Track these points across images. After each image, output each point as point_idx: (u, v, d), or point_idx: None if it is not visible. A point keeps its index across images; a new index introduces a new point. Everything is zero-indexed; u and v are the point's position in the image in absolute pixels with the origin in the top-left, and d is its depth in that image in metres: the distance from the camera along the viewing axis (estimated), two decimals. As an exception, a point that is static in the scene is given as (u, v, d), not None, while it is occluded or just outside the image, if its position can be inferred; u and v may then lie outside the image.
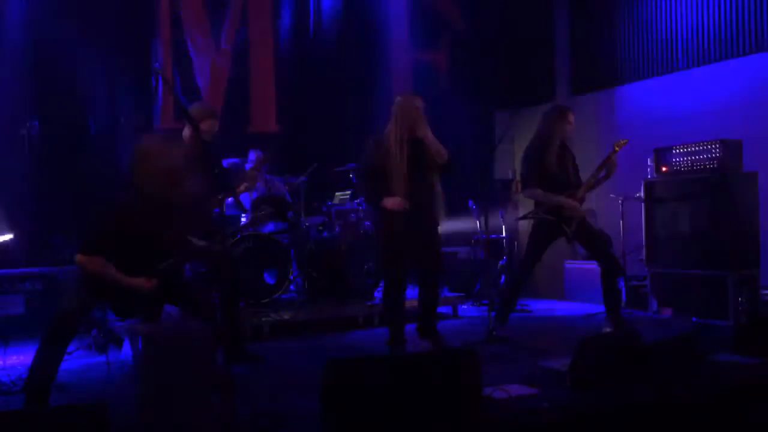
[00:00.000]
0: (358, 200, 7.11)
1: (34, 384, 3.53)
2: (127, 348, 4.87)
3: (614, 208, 6.72)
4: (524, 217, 5.66)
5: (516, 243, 8.04)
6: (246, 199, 6.36)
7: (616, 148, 5.38)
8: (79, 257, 3.66)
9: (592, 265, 6.16)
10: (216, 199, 4.52)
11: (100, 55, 7.00)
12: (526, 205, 5.80)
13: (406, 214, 4.51)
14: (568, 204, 5.28)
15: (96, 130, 6.94)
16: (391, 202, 4.53)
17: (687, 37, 7.21)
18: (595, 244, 5.45)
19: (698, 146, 5.94)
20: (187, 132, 4.64)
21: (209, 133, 4.67)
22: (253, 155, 6.91)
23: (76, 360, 4.94)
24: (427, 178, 4.62)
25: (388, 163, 4.55)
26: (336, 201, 7.55)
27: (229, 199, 5.63)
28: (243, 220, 6.65)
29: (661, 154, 6.22)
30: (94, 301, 3.79)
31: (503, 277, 7.50)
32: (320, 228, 7.26)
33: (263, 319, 5.77)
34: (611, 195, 6.67)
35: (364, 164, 4.75)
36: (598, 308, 6.19)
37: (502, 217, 7.49)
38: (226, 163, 5.75)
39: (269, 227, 6.71)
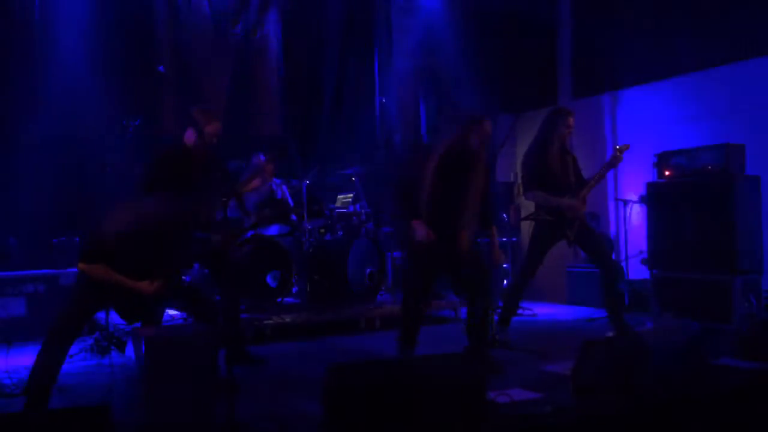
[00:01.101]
0: (360, 203, 7.12)
1: (35, 387, 3.53)
2: (129, 350, 4.86)
3: (617, 211, 6.72)
4: (526, 219, 5.66)
5: (519, 246, 8.03)
6: (249, 201, 6.35)
7: (618, 153, 5.39)
8: (80, 266, 3.67)
9: (594, 269, 6.16)
10: (219, 201, 4.54)
11: (105, 56, 7.00)
12: (528, 208, 5.81)
13: (438, 234, 4.35)
14: (569, 206, 5.28)
15: (99, 132, 6.93)
16: (420, 233, 4.30)
17: (690, 40, 7.20)
18: (596, 247, 5.44)
19: (701, 150, 5.93)
20: (190, 135, 4.64)
21: (213, 136, 4.68)
22: (255, 159, 6.90)
23: (79, 362, 4.93)
24: (467, 200, 4.42)
25: (428, 171, 4.36)
26: (338, 204, 7.54)
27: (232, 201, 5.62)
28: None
29: (664, 158, 6.21)
30: (96, 305, 3.79)
31: (506, 281, 7.49)
32: (322, 231, 7.26)
33: (265, 321, 5.76)
34: (614, 198, 6.66)
35: (404, 174, 4.52)
36: (601, 312, 6.19)
37: (505, 220, 7.48)
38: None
39: (271, 230, 6.70)
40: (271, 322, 5.79)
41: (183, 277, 4.51)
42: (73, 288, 3.88)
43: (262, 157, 6.82)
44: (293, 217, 6.76)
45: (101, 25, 6.95)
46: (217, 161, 4.86)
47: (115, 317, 5.16)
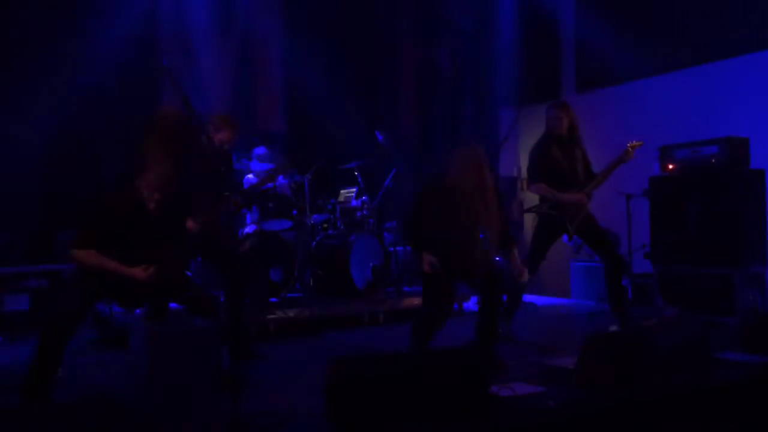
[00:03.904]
0: (365, 197, 7.12)
1: (34, 382, 3.52)
2: (133, 345, 4.87)
3: (620, 206, 6.70)
4: (529, 210, 5.69)
5: (522, 240, 8.03)
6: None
7: (630, 149, 5.38)
8: (73, 252, 3.67)
9: (598, 263, 6.15)
10: (225, 197, 4.58)
11: (107, 53, 7.00)
12: (531, 202, 5.82)
13: (451, 258, 4.41)
14: (572, 201, 5.30)
15: (103, 127, 6.93)
16: (426, 266, 4.38)
17: (694, 33, 7.17)
18: (600, 242, 5.44)
19: (704, 143, 5.91)
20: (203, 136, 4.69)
21: (225, 143, 4.82)
22: (258, 151, 6.90)
23: (82, 356, 4.94)
24: (475, 230, 4.45)
25: (443, 209, 4.44)
26: (340, 198, 7.54)
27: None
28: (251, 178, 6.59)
29: (667, 151, 6.20)
30: (93, 297, 3.79)
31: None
32: (325, 226, 7.26)
33: (268, 317, 5.77)
34: (617, 192, 6.64)
35: (417, 207, 4.58)
36: (604, 306, 6.18)
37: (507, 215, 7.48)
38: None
39: (275, 225, 6.69)
40: (274, 317, 5.80)
41: (186, 272, 4.50)
42: (70, 278, 3.87)
43: (263, 150, 6.84)
44: (295, 212, 6.76)
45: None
46: (223, 157, 4.88)
47: (118, 310, 5.19)
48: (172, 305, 4.21)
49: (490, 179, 4.50)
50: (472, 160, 4.50)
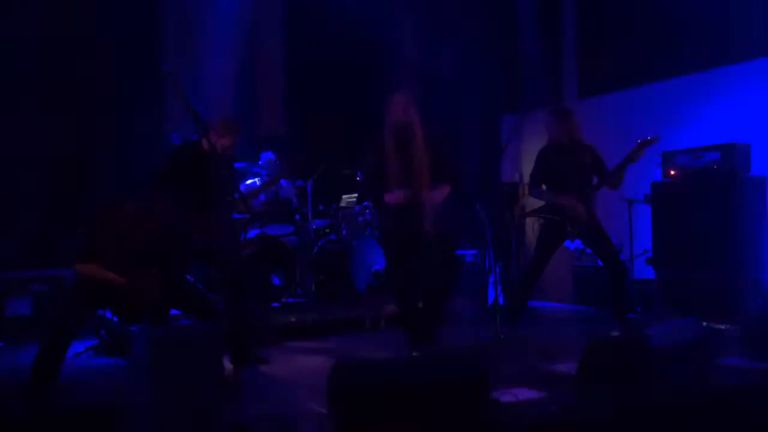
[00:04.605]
0: (366, 203, 7.12)
1: (35, 385, 3.53)
2: (134, 350, 4.88)
3: (622, 211, 6.70)
4: (529, 214, 5.70)
5: (524, 245, 8.02)
6: (255, 201, 6.36)
7: (640, 147, 5.34)
8: (76, 266, 3.68)
9: (599, 268, 6.15)
10: (226, 202, 4.59)
11: (110, 55, 7.02)
12: (533, 206, 5.84)
13: (406, 214, 4.48)
14: (570, 204, 5.30)
15: (105, 131, 6.94)
16: (391, 196, 4.54)
17: (696, 39, 7.17)
18: (602, 246, 5.44)
19: (706, 150, 5.92)
20: (205, 141, 4.70)
21: (226, 148, 4.80)
22: (264, 158, 6.91)
23: (84, 361, 4.95)
24: (422, 177, 4.58)
25: (384, 165, 4.58)
26: (343, 204, 7.55)
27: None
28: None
29: (669, 157, 6.21)
30: (92, 304, 3.79)
31: (510, 280, 7.48)
32: (327, 231, 7.27)
33: (270, 321, 5.77)
34: (618, 198, 6.64)
35: (364, 168, 4.77)
36: (606, 311, 6.18)
37: (509, 220, 7.47)
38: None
39: (277, 230, 6.70)
40: (276, 321, 5.80)
41: (185, 277, 4.51)
42: (71, 287, 3.89)
43: (271, 155, 6.85)
44: (297, 216, 6.77)
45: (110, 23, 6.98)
46: (226, 162, 4.90)
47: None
48: (173, 310, 4.22)
49: (414, 118, 4.59)
50: (394, 102, 4.64)
